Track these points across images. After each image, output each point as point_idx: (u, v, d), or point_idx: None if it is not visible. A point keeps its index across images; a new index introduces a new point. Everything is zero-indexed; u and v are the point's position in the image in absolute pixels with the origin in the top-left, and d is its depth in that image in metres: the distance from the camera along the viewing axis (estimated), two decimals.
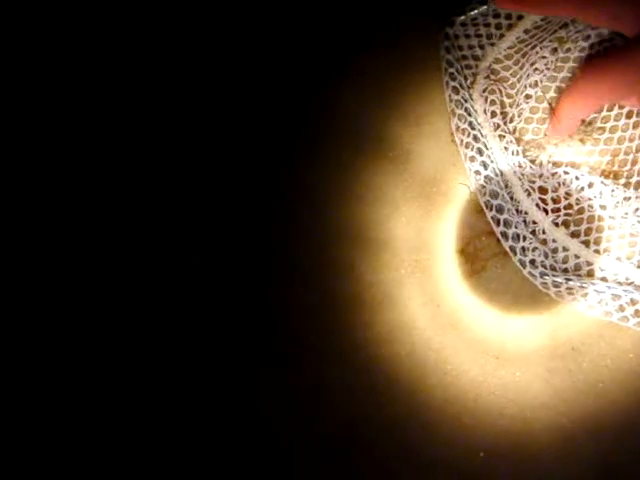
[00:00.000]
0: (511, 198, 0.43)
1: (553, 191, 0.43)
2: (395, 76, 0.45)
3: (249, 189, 0.45)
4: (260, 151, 0.45)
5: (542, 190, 0.43)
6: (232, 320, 0.44)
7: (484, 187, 0.43)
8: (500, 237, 0.43)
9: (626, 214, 0.43)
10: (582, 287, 0.43)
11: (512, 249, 0.43)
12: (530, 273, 0.42)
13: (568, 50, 0.44)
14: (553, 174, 0.43)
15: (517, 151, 0.43)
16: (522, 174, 0.43)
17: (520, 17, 0.45)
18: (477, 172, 0.44)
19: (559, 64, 0.44)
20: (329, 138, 0.45)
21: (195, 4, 0.46)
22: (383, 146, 0.45)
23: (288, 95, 0.45)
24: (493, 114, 0.44)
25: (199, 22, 0.46)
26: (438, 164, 0.44)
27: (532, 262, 0.43)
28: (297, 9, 0.46)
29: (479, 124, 0.45)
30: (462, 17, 0.45)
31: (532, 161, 0.43)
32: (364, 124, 0.45)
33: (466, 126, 0.45)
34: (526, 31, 0.45)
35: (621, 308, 0.42)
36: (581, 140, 0.43)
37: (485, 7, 0.45)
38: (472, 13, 0.45)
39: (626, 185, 0.43)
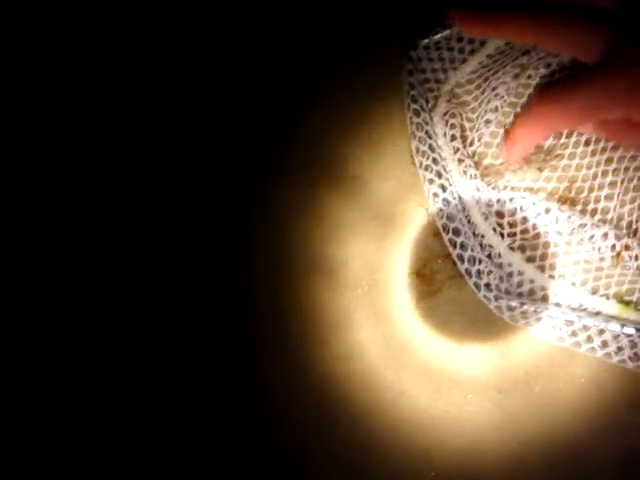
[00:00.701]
0: (468, 221, 0.43)
1: (510, 216, 0.43)
2: (358, 98, 0.46)
3: (209, 204, 0.45)
4: (223, 166, 0.45)
5: (499, 214, 0.43)
6: (188, 341, 0.44)
7: (442, 210, 0.44)
8: (456, 260, 0.43)
9: (581, 240, 0.43)
10: (536, 312, 0.43)
11: (467, 272, 0.43)
12: (485, 296, 0.43)
13: (529, 77, 0.44)
14: (510, 199, 0.43)
15: (475, 175, 0.44)
16: (480, 198, 0.43)
17: (483, 42, 0.46)
18: (435, 194, 0.44)
19: (520, 90, 0.45)
20: (292, 158, 0.46)
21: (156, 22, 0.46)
22: (344, 166, 0.45)
23: (252, 115, 0.46)
24: (453, 137, 0.45)
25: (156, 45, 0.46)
26: (397, 186, 0.45)
27: (487, 285, 0.43)
28: (265, 31, 0.46)
29: (439, 147, 0.45)
30: (425, 40, 0.46)
31: (490, 185, 0.44)
32: (327, 145, 0.46)
33: (426, 148, 0.45)
34: (489, 56, 0.46)
35: (574, 334, 0.43)
36: (539, 168, 0.44)
37: (449, 31, 0.46)
38: (435, 37, 0.46)
39: (582, 212, 0.44)
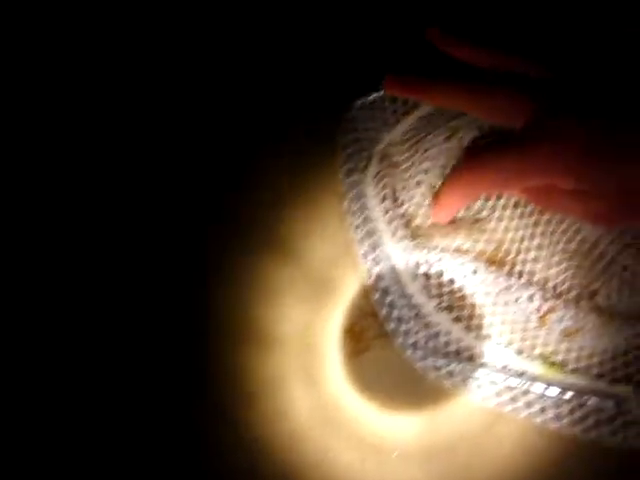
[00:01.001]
0: (397, 281, 0.44)
1: (438, 276, 0.44)
2: (294, 160, 0.46)
3: (144, 266, 0.45)
4: (158, 228, 0.46)
5: (427, 275, 0.44)
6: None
7: (371, 269, 0.44)
8: (383, 319, 0.43)
9: (508, 302, 0.44)
10: (462, 372, 0.43)
11: (395, 331, 0.43)
12: (411, 356, 0.43)
13: (461, 139, 0.45)
14: (439, 260, 0.44)
15: (405, 236, 0.44)
16: (409, 258, 0.44)
17: (416, 104, 0.47)
18: (365, 254, 0.45)
19: (451, 152, 0.45)
20: (227, 222, 0.46)
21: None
22: (277, 227, 0.45)
23: (192, 196, 0.47)
24: (384, 198, 0.45)
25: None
26: (329, 245, 0.45)
27: (414, 345, 0.43)
28: (204, 106, 0.47)
29: (370, 207, 0.46)
30: (360, 101, 0.47)
31: (419, 246, 0.44)
32: (261, 207, 0.46)
33: (357, 208, 0.46)
34: (421, 118, 0.47)
35: (499, 394, 0.43)
36: (468, 230, 0.45)
37: (383, 92, 0.47)
38: (370, 97, 0.47)
39: (509, 274, 0.44)
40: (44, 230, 0.45)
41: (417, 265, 0.44)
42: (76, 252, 0.45)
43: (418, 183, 0.45)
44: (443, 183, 0.42)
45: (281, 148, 0.46)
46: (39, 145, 0.46)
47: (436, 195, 0.42)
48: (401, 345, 0.43)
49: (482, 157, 0.39)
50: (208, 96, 0.47)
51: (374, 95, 0.47)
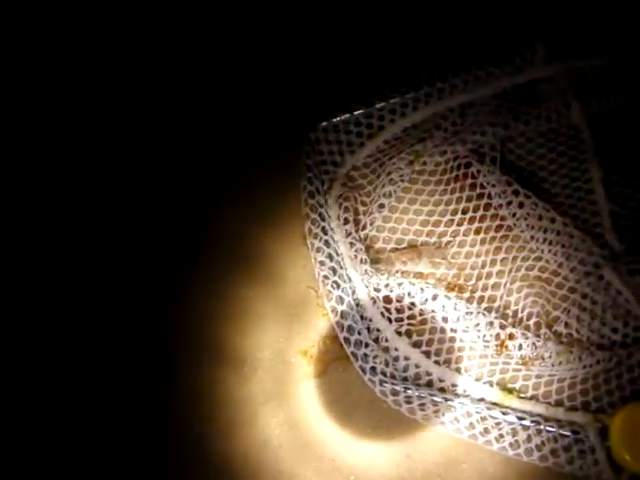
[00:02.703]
0: (357, 305, 0.44)
1: (398, 301, 0.44)
2: (264, 188, 0.46)
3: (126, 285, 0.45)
4: (140, 246, 0.46)
5: (387, 299, 0.44)
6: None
7: (331, 292, 0.44)
8: (343, 342, 0.43)
9: (467, 328, 0.44)
10: (420, 397, 0.43)
11: (354, 355, 0.43)
12: (370, 380, 0.43)
13: (424, 164, 0.45)
14: (399, 284, 0.44)
15: (365, 259, 0.44)
16: (369, 282, 0.44)
17: (381, 128, 0.47)
18: (325, 277, 0.44)
19: (414, 176, 0.45)
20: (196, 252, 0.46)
21: None
22: (240, 246, 0.45)
23: (169, 223, 0.46)
24: (346, 221, 0.45)
25: None
26: (288, 266, 0.45)
27: (373, 369, 0.43)
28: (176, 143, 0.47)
29: (332, 229, 0.46)
30: (324, 123, 0.47)
31: (379, 270, 0.44)
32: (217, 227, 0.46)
33: (319, 231, 0.45)
34: (386, 142, 0.47)
35: (456, 420, 0.43)
36: (429, 257, 0.45)
37: (348, 115, 0.47)
38: (335, 120, 0.47)
39: (469, 300, 0.44)
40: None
41: (376, 289, 0.43)
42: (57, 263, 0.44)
43: (380, 206, 0.45)
44: None
45: (250, 174, 0.45)
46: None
47: None
48: (360, 369, 0.42)
49: None
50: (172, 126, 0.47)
51: (339, 118, 0.47)
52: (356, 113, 0.46)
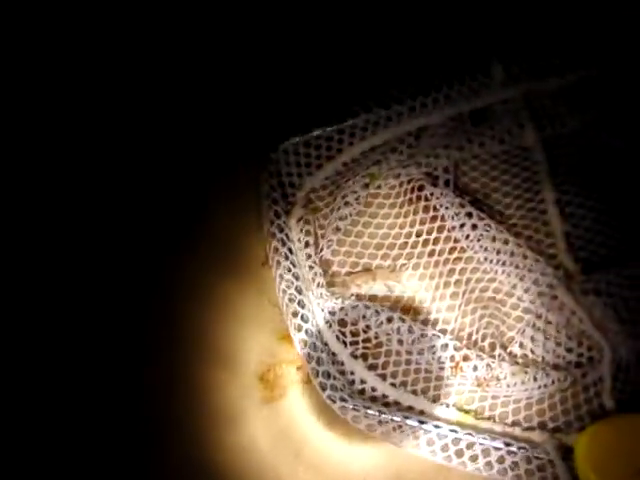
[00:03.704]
0: (316, 327, 0.44)
1: (353, 324, 0.44)
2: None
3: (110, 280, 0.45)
4: (128, 241, 0.46)
5: (342, 322, 0.44)
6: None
7: (297, 310, 0.44)
8: (305, 359, 0.43)
9: (422, 350, 0.44)
10: (378, 418, 0.43)
11: (314, 371, 0.43)
12: (330, 397, 0.43)
13: (379, 187, 0.46)
14: (354, 307, 0.44)
15: (321, 283, 0.44)
16: (324, 305, 0.44)
17: (340, 150, 0.47)
18: (291, 297, 0.45)
19: (369, 200, 0.46)
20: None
21: None
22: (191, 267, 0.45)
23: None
24: (307, 244, 0.46)
25: None
26: (249, 288, 0.45)
27: (333, 387, 0.43)
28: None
29: (294, 253, 0.46)
30: (284, 144, 0.47)
31: (334, 293, 0.44)
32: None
33: (286, 250, 0.46)
34: (344, 164, 0.47)
35: (415, 437, 0.43)
36: (384, 280, 0.45)
37: (308, 136, 0.47)
38: (294, 140, 0.47)
39: (424, 322, 0.45)
40: None
41: (331, 313, 0.44)
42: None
43: (336, 229, 0.45)
44: None
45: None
46: None
47: None
48: (320, 385, 0.43)
49: None
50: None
51: (298, 139, 0.47)
52: (315, 134, 0.46)
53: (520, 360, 0.45)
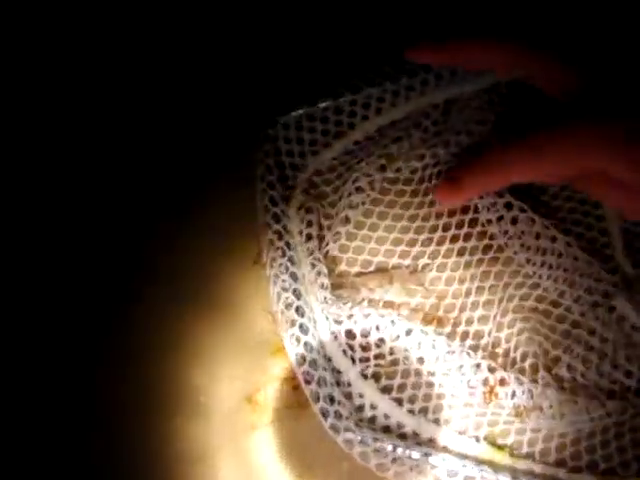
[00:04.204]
0: (317, 340, 0.36)
1: (363, 336, 0.36)
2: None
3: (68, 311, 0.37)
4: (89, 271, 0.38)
5: (350, 334, 0.36)
6: None
7: (294, 319, 0.36)
8: (302, 379, 0.35)
9: (448, 370, 0.36)
10: (392, 452, 0.35)
11: (315, 395, 0.35)
12: (332, 426, 0.35)
13: (398, 170, 0.37)
14: (365, 315, 0.36)
15: (326, 285, 0.36)
16: (329, 312, 0.36)
17: (352, 125, 0.39)
18: (288, 302, 0.36)
19: (385, 185, 0.37)
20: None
21: None
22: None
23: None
24: (308, 237, 0.38)
25: None
26: (235, 292, 0.37)
27: (337, 414, 0.35)
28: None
29: (295, 246, 0.38)
30: (284, 117, 0.39)
31: (341, 298, 0.36)
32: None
33: (282, 244, 0.38)
34: (356, 142, 0.39)
35: (437, 478, 0.35)
36: (402, 282, 0.37)
37: (313, 108, 0.39)
38: (296, 113, 0.39)
39: (451, 336, 0.37)
40: None
41: (337, 322, 0.35)
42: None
43: (345, 220, 0.37)
44: (470, 162, 0.34)
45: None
46: None
47: (455, 173, 0.34)
48: (321, 412, 0.34)
49: (540, 133, 0.32)
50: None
51: (301, 111, 0.39)
52: (322, 106, 0.38)
53: (568, 386, 0.37)
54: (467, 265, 0.37)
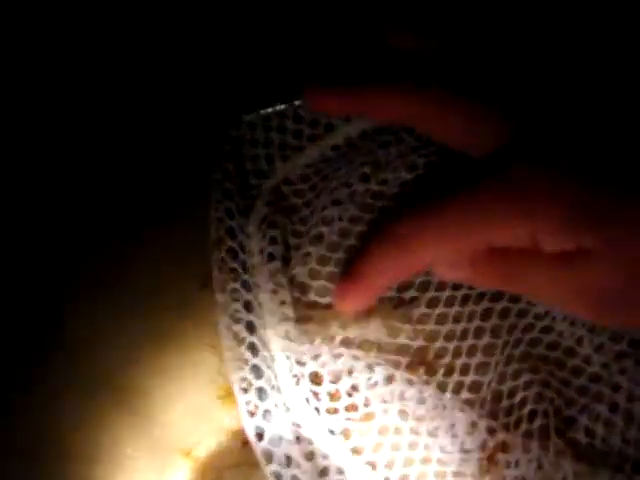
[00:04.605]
0: (275, 387, 0.28)
1: (332, 382, 0.29)
2: None
3: None
4: None
5: (316, 378, 0.29)
6: None
7: (245, 358, 0.29)
8: (251, 436, 0.28)
9: (436, 430, 0.29)
10: None
11: (267, 455, 0.28)
12: None
13: (384, 182, 0.31)
14: (336, 356, 0.29)
15: (289, 316, 0.29)
16: (291, 350, 0.29)
17: (330, 127, 0.32)
18: (237, 336, 0.30)
19: (368, 200, 0.31)
20: None
21: None
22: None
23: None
24: (271, 257, 0.31)
25: None
26: (180, 321, 0.30)
27: (294, 478, 0.28)
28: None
29: (253, 267, 0.31)
30: (251, 115, 0.32)
31: (308, 333, 0.29)
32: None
33: (237, 266, 0.31)
34: (334, 147, 0.33)
35: None
36: (384, 318, 0.30)
37: (284, 106, 0.32)
38: (265, 111, 0.32)
39: (441, 386, 0.29)
40: None
41: (301, 363, 0.29)
42: None
43: (317, 239, 0.30)
44: (363, 249, 0.27)
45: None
46: None
47: (351, 269, 0.27)
48: (274, 476, 0.27)
49: (437, 201, 0.25)
50: None
51: (271, 110, 0.32)
52: (296, 103, 0.32)
53: (587, 454, 0.29)
54: (464, 300, 0.30)
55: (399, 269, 0.26)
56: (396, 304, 0.30)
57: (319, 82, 0.29)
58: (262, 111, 0.33)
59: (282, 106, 0.33)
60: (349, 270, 0.28)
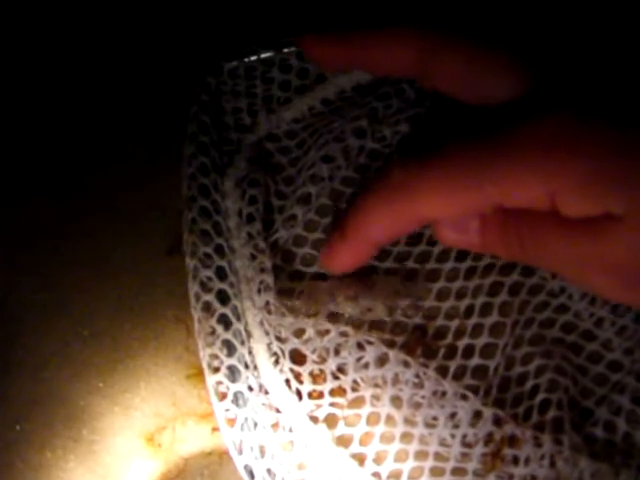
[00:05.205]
0: (250, 366, 0.25)
1: (316, 362, 0.25)
2: None
3: None
4: None
5: (298, 358, 0.25)
6: None
7: (216, 331, 0.25)
8: (221, 422, 0.24)
9: (434, 420, 0.25)
10: None
11: (236, 445, 0.24)
12: None
13: (382, 138, 0.27)
14: (321, 333, 0.25)
15: (268, 285, 0.26)
16: (270, 324, 0.25)
17: (321, 79, 0.29)
18: (208, 305, 0.26)
19: (363, 160, 0.27)
20: None
21: None
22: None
23: None
24: (250, 218, 0.27)
25: None
26: (144, 292, 0.26)
27: (269, 473, 0.24)
28: None
29: (229, 230, 0.27)
30: (233, 63, 0.29)
31: (289, 308, 0.25)
32: None
33: (209, 227, 0.28)
34: (325, 101, 0.29)
35: None
36: (378, 290, 0.26)
37: (271, 54, 0.29)
38: (249, 59, 0.29)
39: (441, 370, 0.26)
40: None
41: (281, 339, 0.25)
42: None
43: (304, 201, 0.27)
44: (349, 210, 0.24)
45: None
46: None
47: (340, 222, 0.24)
48: (245, 470, 0.24)
49: (444, 150, 0.22)
50: None
51: (255, 56, 0.29)
52: (286, 50, 0.28)
53: (604, 451, 0.25)
54: (469, 273, 0.26)
55: (394, 220, 0.23)
56: (390, 272, 0.27)
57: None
58: (246, 58, 0.29)
59: (268, 53, 0.29)
60: (338, 224, 0.24)
